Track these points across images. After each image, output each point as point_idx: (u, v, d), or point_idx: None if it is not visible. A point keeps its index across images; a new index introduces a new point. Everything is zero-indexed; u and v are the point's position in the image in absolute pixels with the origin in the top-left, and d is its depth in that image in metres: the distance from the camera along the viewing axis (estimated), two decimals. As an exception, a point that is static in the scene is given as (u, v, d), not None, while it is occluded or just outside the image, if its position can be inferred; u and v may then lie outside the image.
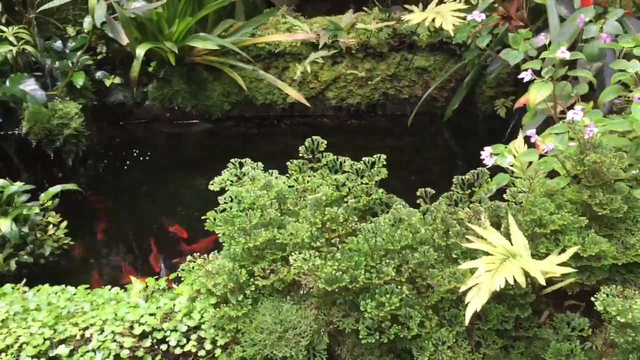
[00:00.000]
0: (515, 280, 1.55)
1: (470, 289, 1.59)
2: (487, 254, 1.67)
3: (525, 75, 2.49)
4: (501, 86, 3.86)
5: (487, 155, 2.69)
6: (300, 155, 2.10)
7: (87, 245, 3.14)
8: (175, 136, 4.19)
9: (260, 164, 2.20)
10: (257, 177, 2.10)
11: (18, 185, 2.72)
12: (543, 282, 1.55)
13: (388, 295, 1.63)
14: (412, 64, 4.00)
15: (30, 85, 3.21)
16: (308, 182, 1.97)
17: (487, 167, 2.71)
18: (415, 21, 3.50)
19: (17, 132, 3.67)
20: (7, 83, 3.26)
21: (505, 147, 2.72)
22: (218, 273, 1.84)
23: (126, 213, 3.35)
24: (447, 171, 3.71)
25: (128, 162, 3.82)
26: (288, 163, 2.11)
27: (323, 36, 3.95)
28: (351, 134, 4.15)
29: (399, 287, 1.65)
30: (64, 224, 3.00)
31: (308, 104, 3.93)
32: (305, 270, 1.64)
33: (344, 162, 2.07)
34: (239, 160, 2.20)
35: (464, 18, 3.35)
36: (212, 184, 2.11)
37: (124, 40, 3.10)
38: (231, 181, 2.16)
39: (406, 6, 3.87)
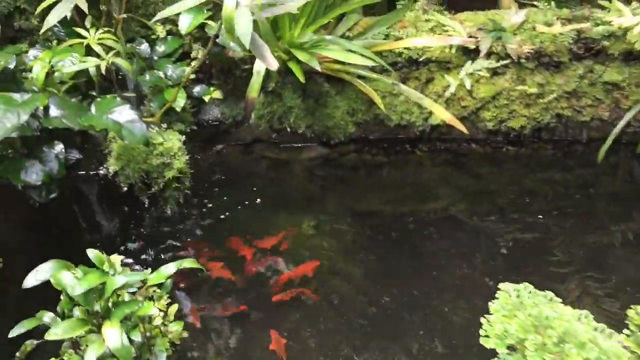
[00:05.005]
0: None
1: None
2: None
3: None
4: None
5: None
6: None
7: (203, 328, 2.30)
8: (281, 164, 3.31)
9: (554, 296, 1.34)
10: (554, 327, 1.24)
11: (128, 275, 1.88)
12: None
13: None
14: (599, 78, 3.05)
15: (125, 115, 2.28)
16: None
17: None
18: (628, 24, 2.58)
19: (102, 172, 2.78)
20: (92, 109, 2.36)
21: None
22: None
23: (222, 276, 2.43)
24: (631, 226, 2.76)
25: (221, 197, 2.93)
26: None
27: (484, 40, 3.03)
28: (504, 163, 3.22)
29: None
30: (174, 307, 2.18)
31: (464, 129, 3.02)
32: None
33: None
34: (515, 286, 1.35)
35: None
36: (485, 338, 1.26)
37: (274, 65, 2.15)
38: (504, 315, 1.32)
39: (602, 2, 2.94)
